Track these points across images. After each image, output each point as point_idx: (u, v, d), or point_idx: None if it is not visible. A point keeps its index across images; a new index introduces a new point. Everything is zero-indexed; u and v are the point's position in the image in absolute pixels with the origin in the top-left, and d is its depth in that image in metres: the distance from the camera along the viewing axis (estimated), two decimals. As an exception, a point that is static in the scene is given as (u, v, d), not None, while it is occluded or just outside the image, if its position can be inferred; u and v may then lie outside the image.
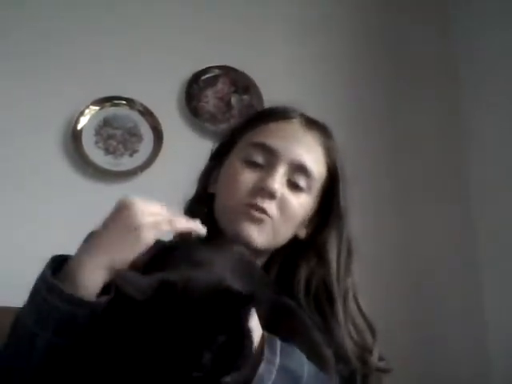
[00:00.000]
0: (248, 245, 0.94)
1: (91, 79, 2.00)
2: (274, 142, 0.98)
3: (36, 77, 1.96)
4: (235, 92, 2.13)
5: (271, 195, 0.94)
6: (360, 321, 0.99)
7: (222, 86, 2.13)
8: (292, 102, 1.06)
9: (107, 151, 1.98)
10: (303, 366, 0.79)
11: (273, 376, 0.74)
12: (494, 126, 2.01)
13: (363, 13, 2.27)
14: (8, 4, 1.98)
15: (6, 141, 1.91)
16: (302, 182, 0.98)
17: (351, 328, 0.97)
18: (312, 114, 1.07)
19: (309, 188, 0.99)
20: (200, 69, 2.10)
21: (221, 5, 2.17)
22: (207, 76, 2.11)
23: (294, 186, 0.98)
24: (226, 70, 2.13)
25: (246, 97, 2.13)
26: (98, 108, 1.99)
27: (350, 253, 1.02)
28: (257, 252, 0.97)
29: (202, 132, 2.05)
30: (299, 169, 0.98)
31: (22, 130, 1.93)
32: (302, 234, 1.03)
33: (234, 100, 2.13)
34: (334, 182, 1.02)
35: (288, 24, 2.22)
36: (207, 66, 2.11)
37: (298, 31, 2.21)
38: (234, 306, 0.64)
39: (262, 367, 0.74)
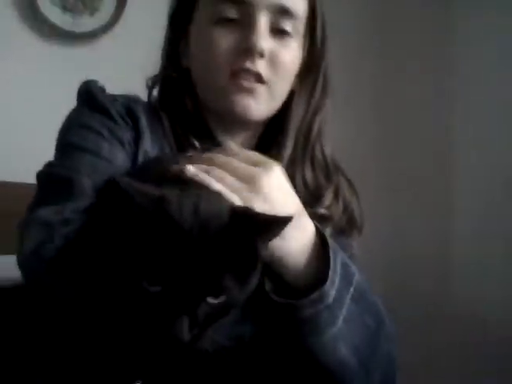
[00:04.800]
0: (247, 120, 0.85)
1: None
2: None
3: None
4: None
5: (260, 54, 0.82)
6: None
7: None
8: None
9: (65, 9, 1.87)
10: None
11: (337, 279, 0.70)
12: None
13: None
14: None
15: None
16: (287, 26, 0.85)
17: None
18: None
19: (296, 31, 0.86)
20: None
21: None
22: None
23: (279, 32, 0.85)
24: None
25: None
26: (52, -43, 1.85)
27: (324, 90, 0.92)
28: (257, 125, 0.89)
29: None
30: (282, 12, 0.84)
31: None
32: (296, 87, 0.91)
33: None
34: (314, 18, 0.89)
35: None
36: None
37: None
38: (257, 230, 0.59)
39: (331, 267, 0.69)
